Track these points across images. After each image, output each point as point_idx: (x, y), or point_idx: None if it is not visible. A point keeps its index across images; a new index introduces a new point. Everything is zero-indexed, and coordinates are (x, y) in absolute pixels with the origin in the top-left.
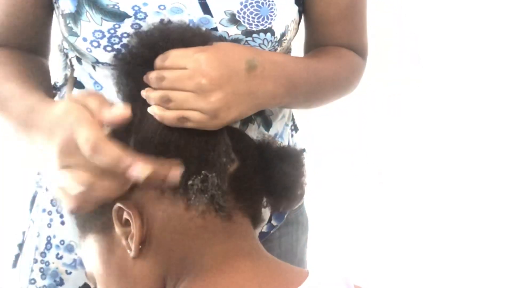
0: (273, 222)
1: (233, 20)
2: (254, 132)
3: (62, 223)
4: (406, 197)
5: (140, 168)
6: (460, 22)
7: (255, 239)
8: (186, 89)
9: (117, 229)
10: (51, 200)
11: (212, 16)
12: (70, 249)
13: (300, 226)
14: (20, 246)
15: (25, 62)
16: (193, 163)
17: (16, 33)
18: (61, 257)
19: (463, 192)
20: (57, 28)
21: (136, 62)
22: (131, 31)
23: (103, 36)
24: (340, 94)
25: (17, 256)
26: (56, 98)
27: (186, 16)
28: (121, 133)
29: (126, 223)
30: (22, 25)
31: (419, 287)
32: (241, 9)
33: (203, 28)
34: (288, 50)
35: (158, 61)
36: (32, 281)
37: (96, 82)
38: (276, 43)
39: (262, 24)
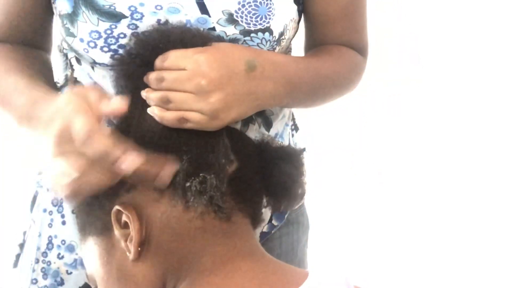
0: (274, 222)
1: (231, 19)
2: (254, 132)
3: (63, 223)
4: (406, 197)
5: (129, 161)
6: (460, 21)
7: (255, 239)
8: (185, 90)
9: (116, 232)
10: (52, 200)
11: (209, 16)
12: (71, 249)
13: (300, 226)
14: (21, 246)
15: (27, 57)
16: (192, 165)
17: (17, 31)
18: (62, 257)
19: (463, 192)
20: (57, 28)
21: (135, 63)
22: (127, 31)
23: (100, 36)
24: (341, 93)
25: (18, 256)
26: None
27: (183, 16)
28: (120, 133)
29: (125, 226)
30: (23, 23)
31: (419, 287)
32: (239, 9)
33: (203, 29)
34: (288, 50)
35: (158, 62)
36: (34, 281)
37: (95, 83)
38: (275, 43)
39: (260, 24)
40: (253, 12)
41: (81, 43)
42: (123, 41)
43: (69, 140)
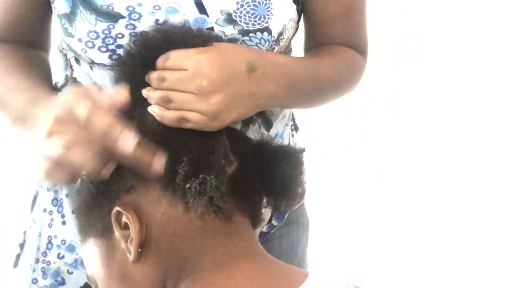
0: (274, 222)
1: (230, 19)
2: (254, 133)
3: (63, 223)
4: (406, 197)
5: (129, 139)
6: (460, 21)
7: (255, 239)
8: (186, 90)
9: (117, 233)
10: (52, 200)
11: (208, 16)
12: (71, 249)
13: (300, 226)
14: (21, 245)
15: (26, 56)
16: (192, 166)
17: (16, 30)
18: (62, 257)
19: (463, 191)
20: (57, 28)
21: (136, 63)
22: (125, 31)
23: (98, 36)
24: (341, 92)
25: (18, 256)
26: None
27: (181, 16)
28: None
29: (125, 227)
30: (22, 23)
31: (419, 287)
32: (238, 9)
33: (204, 29)
34: (288, 50)
35: (160, 62)
36: (34, 281)
37: (94, 83)
38: (274, 42)
39: (259, 24)
40: (252, 12)
41: (79, 43)
42: (121, 41)
43: (66, 122)
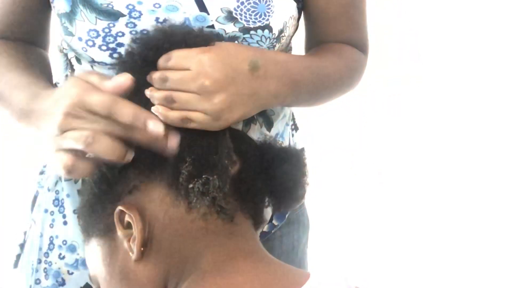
0: (274, 222)
1: (230, 17)
2: (256, 132)
3: (65, 223)
4: (406, 197)
5: (157, 123)
6: (460, 19)
7: (256, 240)
8: (189, 90)
9: (119, 232)
10: (53, 201)
11: (208, 14)
12: (72, 249)
13: (301, 226)
14: (22, 246)
15: (26, 53)
16: (195, 166)
17: (15, 27)
18: (63, 257)
19: (463, 191)
20: (57, 28)
21: (138, 63)
22: (125, 30)
23: (98, 35)
24: (343, 91)
25: (18, 256)
26: None
27: (182, 14)
28: None
29: (128, 226)
30: (22, 20)
31: (419, 287)
32: (238, 6)
33: (205, 29)
34: (288, 48)
35: (162, 62)
36: (38, 281)
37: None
38: (274, 40)
39: (260, 21)
40: (252, 9)
41: (80, 41)
42: (121, 40)
43: (79, 116)
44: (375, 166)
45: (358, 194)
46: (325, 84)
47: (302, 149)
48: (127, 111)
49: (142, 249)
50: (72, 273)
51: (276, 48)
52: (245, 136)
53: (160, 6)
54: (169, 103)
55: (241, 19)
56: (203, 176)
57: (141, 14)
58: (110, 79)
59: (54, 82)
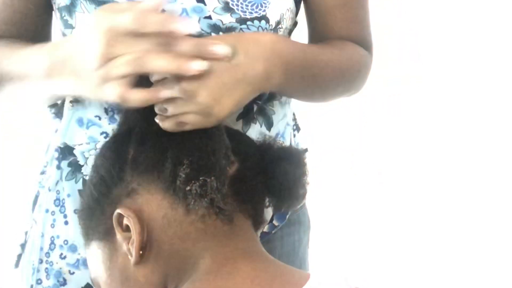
0: (275, 222)
1: (227, 8)
2: (256, 132)
3: (66, 223)
4: (406, 197)
5: (187, 23)
6: (460, 19)
7: (256, 241)
8: (174, 96)
9: (118, 235)
10: (54, 201)
11: (205, 5)
12: (73, 249)
13: (302, 226)
14: (23, 246)
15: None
16: (193, 168)
17: (16, 28)
18: (64, 257)
19: (463, 191)
20: (57, 28)
21: None
22: None
23: None
24: (344, 85)
25: (19, 256)
26: (58, 100)
27: (179, 5)
28: (122, 137)
29: (127, 229)
30: (23, 20)
31: (419, 287)
32: None
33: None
34: None
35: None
36: (39, 281)
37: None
38: (272, 31)
39: (256, 12)
40: (249, 0)
41: None
42: None
43: (118, 41)
44: (375, 166)
45: (358, 194)
46: (323, 72)
47: (304, 149)
48: (155, 18)
49: (141, 252)
50: (73, 273)
51: None
52: (244, 136)
53: None
54: (163, 112)
55: (237, 9)
56: (201, 178)
57: None
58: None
59: None
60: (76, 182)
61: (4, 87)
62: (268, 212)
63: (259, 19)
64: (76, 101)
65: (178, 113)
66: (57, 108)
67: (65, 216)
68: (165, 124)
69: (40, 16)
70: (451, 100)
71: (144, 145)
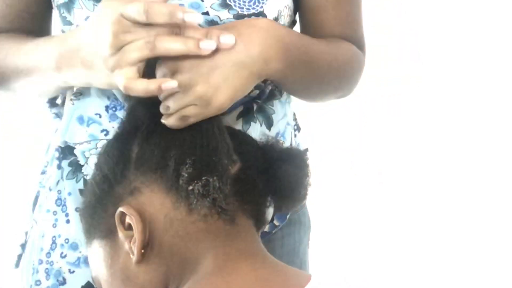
0: (276, 222)
1: (224, 4)
2: (257, 131)
3: (67, 221)
4: (406, 197)
5: (191, 13)
6: (460, 19)
7: (258, 241)
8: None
9: (120, 234)
10: (56, 200)
11: (202, 1)
12: (74, 247)
13: (302, 227)
14: (23, 246)
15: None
16: (195, 168)
17: (16, 25)
18: (65, 256)
19: (463, 191)
20: (56, 26)
21: None
22: None
23: None
24: (339, 80)
25: (19, 256)
26: (58, 100)
27: (177, 1)
28: (126, 135)
29: (129, 228)
30: (23, 17)
31: (419, 287)
32: None
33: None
34: None
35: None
36: (38, 283)
37: None
38: None
39: (254, 8)
40: None
41: None
42: None
43: (126, 30)
44: (375, 166)
45: (358, 194)
46: (320, 64)
47: (305, 150)
48: (163, 10)
49: (142, 250)
50: (73, 272)
51: None
52: (246, 136)
53: None
54: (166, 110)
55: (235, 6)
56: (203, 178)
57: None
58: None
59: None
60: (77, 181)
61: (12, 81)
62: (269, 212)
63: (257, 15)
64: (77, 98)
65: (179, 108)
66: (58, 108)
67: (66, 215)
68: (170, 121)
69: (40, 13)
70: (451, 100)
71: (148, 144)
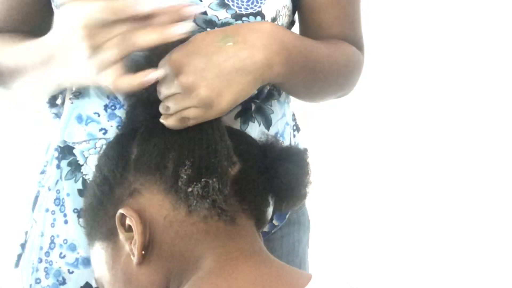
0: (275, 222)
1: (222, 3)
2: (255, 131)
3: (65, 222)
4: (406, 197)
5: None
6: (460, 19)
7: (258, 241)
8: (172, 92)
9: (121, 235)
10: (54, 200)
11: (201, 0)
12: (72, 248)
13: (301, 226)
14: (23, 246)
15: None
16: (194, 169)
17: (16, 26)
18: (64, 256)
19: (464, 192)
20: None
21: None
22: None
23: None
24: (339, 82)
25: (19, 256)
26: (58, 100)
27: (175, 1)
28: (126, 137)
29: (129, 229)
30: (23, 17)
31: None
32: None
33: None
34: None
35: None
36: (38, 281)
37: None
38: None
39: (252, 8)
40: None
41: None
42: None
43: (97, 32)
44: (375, 166)
45: (358, 194)
46: (322, 62)
47: (305, 149)
48: (122, 4)
49: (143, 252)
50: (72, 272)
51: None
52: (246, 136)
53: None
54: (166, 110)
55: (233, 5)
56: (202, 180)
57: None
58: None
59: None
60: (75, 181)
61: (8, 80)
62: (269, 212)
63: (255, 15)
64: (76, 97)
65: (180, 109)
66: (57, 108)
67: (64, 215)
68: (169, 122)
69: (40, 13)
70: (451, 100)
71: (147, 145)
